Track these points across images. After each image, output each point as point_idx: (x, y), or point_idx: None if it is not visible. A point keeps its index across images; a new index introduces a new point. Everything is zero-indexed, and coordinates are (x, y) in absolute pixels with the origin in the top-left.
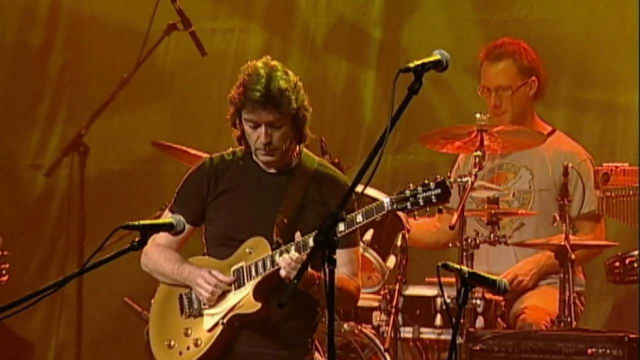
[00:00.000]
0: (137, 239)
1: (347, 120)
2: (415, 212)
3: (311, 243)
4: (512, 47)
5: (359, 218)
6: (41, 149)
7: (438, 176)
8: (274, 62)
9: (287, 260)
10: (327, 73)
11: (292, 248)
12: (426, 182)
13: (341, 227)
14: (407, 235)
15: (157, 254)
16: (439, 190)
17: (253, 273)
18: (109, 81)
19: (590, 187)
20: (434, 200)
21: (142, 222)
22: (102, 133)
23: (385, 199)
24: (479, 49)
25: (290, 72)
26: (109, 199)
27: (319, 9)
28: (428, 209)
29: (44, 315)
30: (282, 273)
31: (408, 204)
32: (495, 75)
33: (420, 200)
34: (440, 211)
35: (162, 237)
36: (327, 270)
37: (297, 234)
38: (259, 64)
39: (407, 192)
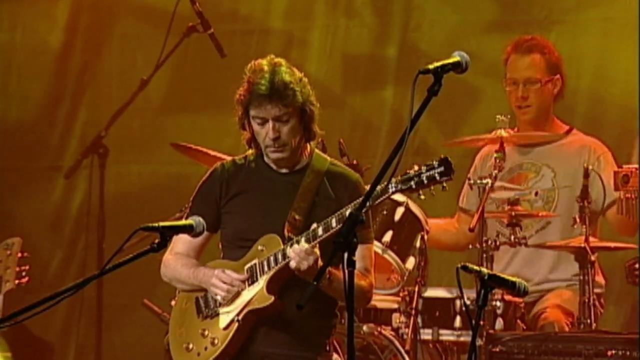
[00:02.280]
0: (157, 241)
1: (366, 121)
2: (420, 192)
3: (320, 232)
4: (541, 42)
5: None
6: (61, 150)
7: (441, 155)
8: (278, 59)
9: (297, 250)
10: (347, 73)
11: (302, 239)
12: (429, 162)
13: (348, 211)
14: (426, 237)
15: (175, 262)
16: (442, 168)
17: (265, 268)
18: (129, 83)
19: (611, 177)
20: (438, 178)
21: (161, 223)
22: (121, 135)
23: (389, 181)
24: (500, 50)
25: (295, 69)
26: (129, 201)
27: (339, 8)
28: (432, 187)
29: (63, 317)
30: (292, 264)
31: (412, 183)
32: (524, 67)
33: (425, 179)
34: (443, 188)
35: (179, 245)
36: (346, 272)
37: (314, 226)
38: (264, 61)
39: (411, 173)
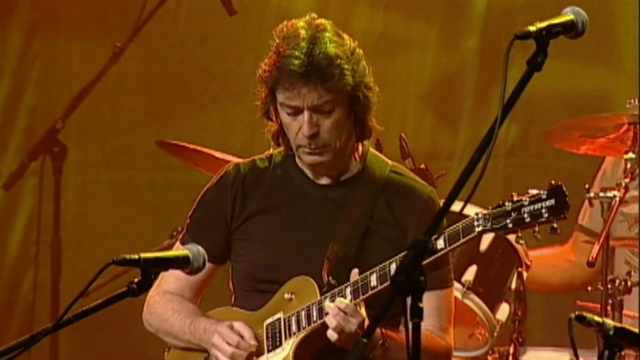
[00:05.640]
0: (136, 280)
1: (438, 108)
2: (519, 234)
3: (374, 282)
4: None
5: (440, 244)
6: None
7: (552, 181)
8: (322, 21)
9: (334, 309)
10: (411, 41)
11: (348, 290)
12: (535, 191)
13: None
14: (525, 274)
15: (164, 306)
16: (552, 201)
17: (294, 328)
18: (96, 52)
19: None
20: (545, 215)
21: (144, 254)
22: (85, 127)
23: (476, 215)
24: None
25: (345, 36)
26: (96, 222)
27: None
28: (537, 228)
29: None
30: (331, 334)
31: (508, 221)
32: None
33: (526, 216)
34: (553, 230)
35: (170, 281)
36: (409, 325)
37: (354, 272)
38: (300, 23)
39: (508, 205)
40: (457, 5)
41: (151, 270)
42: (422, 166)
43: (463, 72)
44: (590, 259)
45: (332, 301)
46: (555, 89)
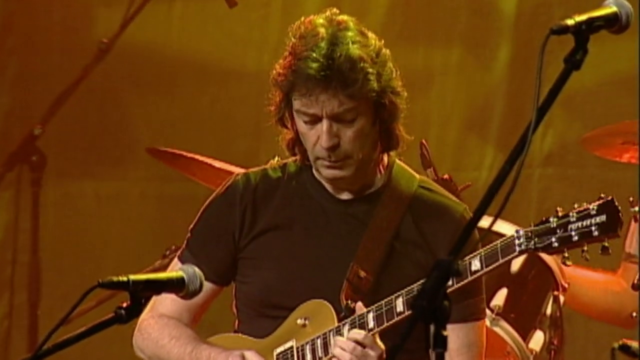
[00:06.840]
0: (125, 305)
1: (464, 111)
2: (566, 254)
3: (400, 307)
4: None
5: (476, 265)
6: None
7: (602, 195)
8: (343, 17)
9: (350, 345)
10: (434, 38)
11: (370, 316)
12: (583, 206)
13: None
14: (562, 298)
15: (159, 331)
16: (602, 217)
17: (308, 358)
18: (79, 50)
19: None
20: (596, 233)
21: (133, 277)
22: (67, 133)
23: (516, 233)
24: None
25: (370, 34)
26: (79, 240)
27: None
28: (586, 247)
29: None
30: None
31: (554, 239)
32: None
33: (574, 234)
34: (605, 249)
35: (167, 303)
36: (433, 356)
37: (359, 305)
38: (319, 20)
39: (553, 222)
40: (483, 3)
41: (141, 294)
42: (446, 176)
43: (493, 73)
44: (635, 281)
45: (353, 328)
46: (597, 89)
